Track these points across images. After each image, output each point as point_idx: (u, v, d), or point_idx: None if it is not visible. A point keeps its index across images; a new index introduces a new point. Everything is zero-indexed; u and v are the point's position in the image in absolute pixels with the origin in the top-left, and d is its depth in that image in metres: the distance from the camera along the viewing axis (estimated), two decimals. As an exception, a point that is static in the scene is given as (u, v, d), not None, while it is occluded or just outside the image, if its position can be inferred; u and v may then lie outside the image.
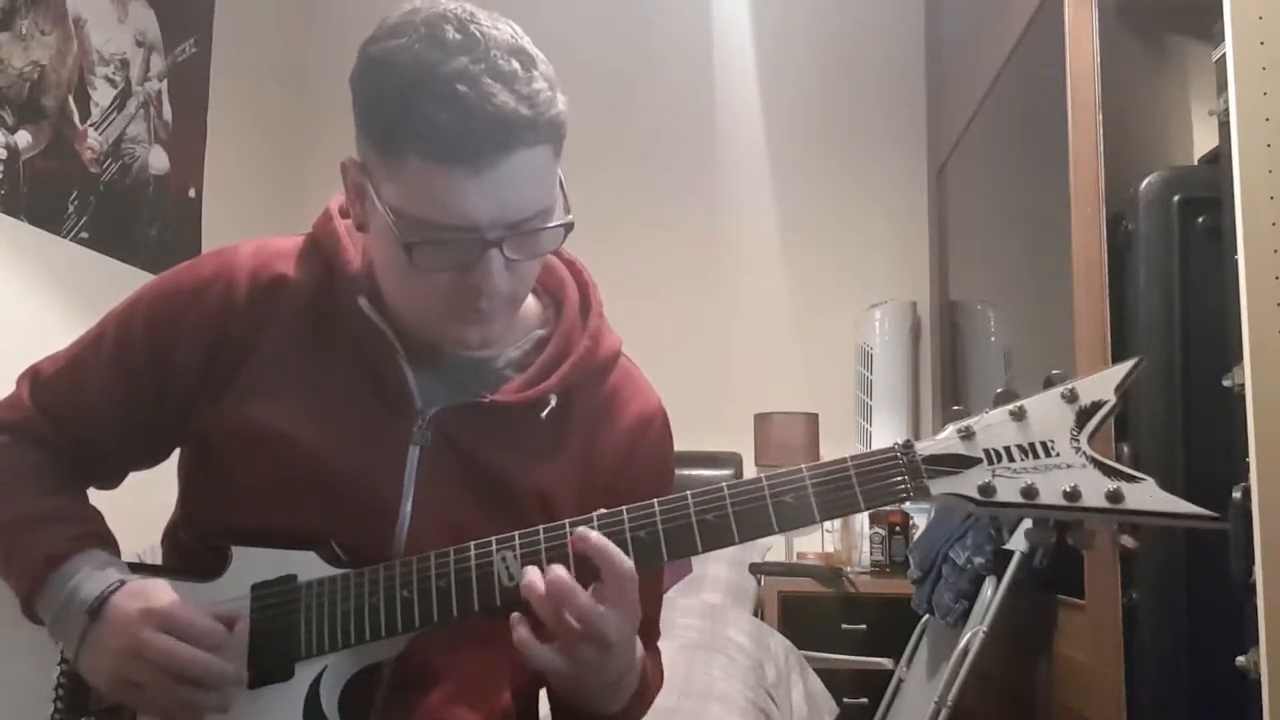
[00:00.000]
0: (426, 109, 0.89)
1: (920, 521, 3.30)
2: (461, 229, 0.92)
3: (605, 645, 0.92)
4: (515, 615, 0.91)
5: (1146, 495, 0.89)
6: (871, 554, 3.45)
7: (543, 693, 1.12)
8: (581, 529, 0.93)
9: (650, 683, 1.09)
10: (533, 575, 0.91)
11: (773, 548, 3.62)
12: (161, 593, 0.96)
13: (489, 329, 1.00)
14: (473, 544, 0.96)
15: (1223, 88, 1.55)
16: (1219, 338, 1.64)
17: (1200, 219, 1.97)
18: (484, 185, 0.90)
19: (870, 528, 3.46)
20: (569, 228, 0.97)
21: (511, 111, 0.89)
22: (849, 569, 3.39)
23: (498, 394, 1.04)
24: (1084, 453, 0.91)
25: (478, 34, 0.90)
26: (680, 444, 1.20)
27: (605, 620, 0.91)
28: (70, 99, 2.84)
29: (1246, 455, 1.47)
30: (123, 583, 0.98)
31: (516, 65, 0.90)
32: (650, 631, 1.19)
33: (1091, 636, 2.07)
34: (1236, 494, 1.49)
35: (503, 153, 0.90)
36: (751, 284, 3.95)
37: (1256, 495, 1.44)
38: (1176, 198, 2.01)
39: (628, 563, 0.92)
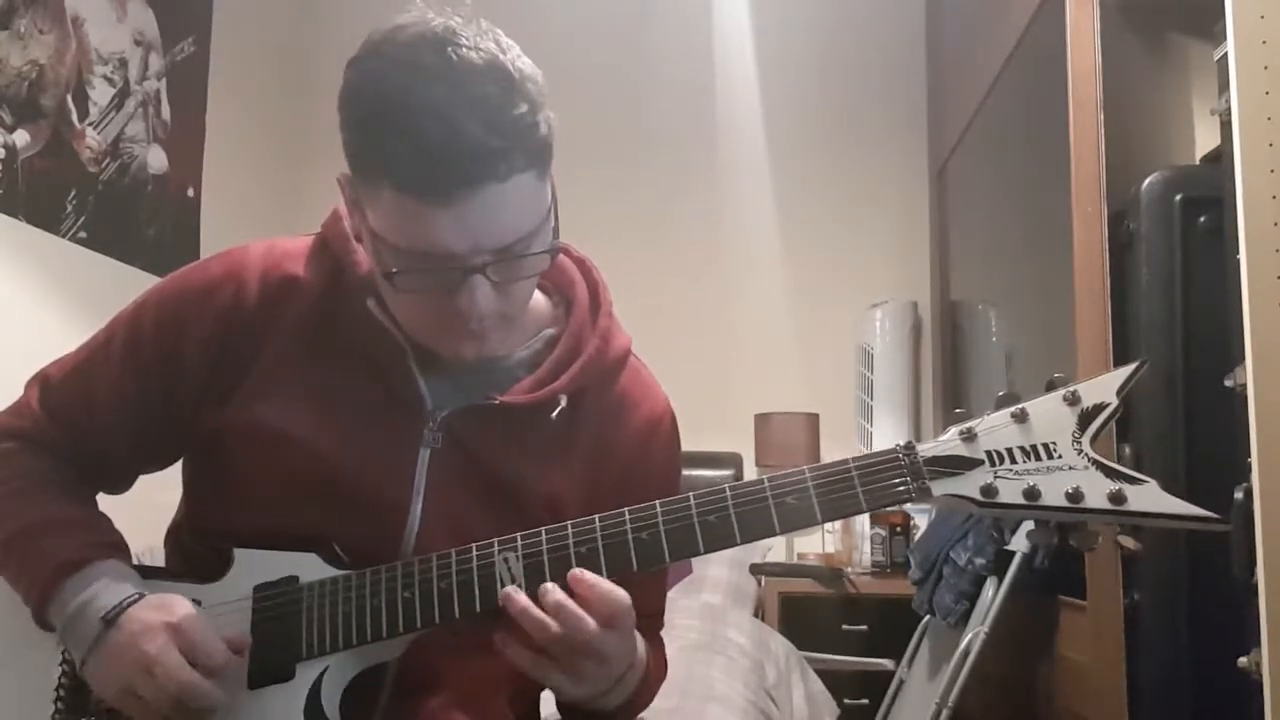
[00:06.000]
0: (396, 142, 0.87)
1: (921, 522, 3.30)
2: (440, 258, 0.91)
3: (604, 659, 0.93)
4: (500, 636, 0.92)
5: (1149, 497, 0.89)
6: (872, 555, 3.44)
7: (545, 694, 1.12)
8: (577, 571, 0.93)
9: (652, 675, 1.10)
10: (511, 591, 0.92)
11: (773, 548, 3.61)
12: (182, 608, 0.96)
13: (483, 344, 0.99)
14: (475, 545, 0.96)
15: (1224, 87, 1.54)
16: (1221, 338, 1.64)
17: (1202, 218, 1.97)
18: (457, 217, 0.89)
19: (871, 528, 3.46)
20: (554, 253, 0.98)
21: (481, 145, 0.87)
22: (850, 570, 3.38)
23: (508, 395, 1.04)
24: (1086, 455, 0.91)
25: (454, 58, 0.88)
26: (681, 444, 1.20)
27: (605, 641, 0.92)
28: (69, 98, 2.84)
29: (1248, 456, 1.46)
30: (141, 596, 0.97)
31: (494, 91, 0.88)
32: (655, 625, 1.20)
33: (1093, 638, 2.07)
34: (1238, 494, 1.49)
35: (473, 187, 0.88)
36: (752, 284, 3.95)
37: (1258, 496, 1.44)
38: (1178, 197, 2.00)
39: (623, 597, 0.92)
